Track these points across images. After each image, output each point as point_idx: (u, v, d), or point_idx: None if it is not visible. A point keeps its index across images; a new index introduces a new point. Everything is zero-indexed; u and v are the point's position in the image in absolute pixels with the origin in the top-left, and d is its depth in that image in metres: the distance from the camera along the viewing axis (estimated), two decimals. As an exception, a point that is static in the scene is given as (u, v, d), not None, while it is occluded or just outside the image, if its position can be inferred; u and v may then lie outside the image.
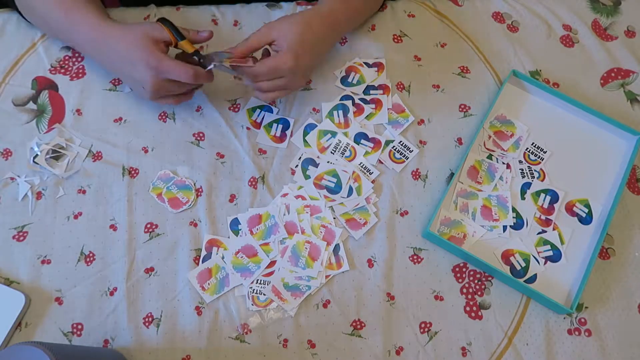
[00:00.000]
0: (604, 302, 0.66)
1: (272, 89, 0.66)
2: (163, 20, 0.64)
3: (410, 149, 0.73)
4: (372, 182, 0.70)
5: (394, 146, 0.73)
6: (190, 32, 0.65)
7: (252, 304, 0.63)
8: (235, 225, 0.67)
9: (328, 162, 0.71)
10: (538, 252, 0.68)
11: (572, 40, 0.83)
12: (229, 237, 0.67)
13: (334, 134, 0.73)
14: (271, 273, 0.65)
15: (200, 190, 0.69)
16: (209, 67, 0.63)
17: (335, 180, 0.70)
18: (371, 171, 0.71)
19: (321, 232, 0.67)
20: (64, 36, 0.70)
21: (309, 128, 0.73)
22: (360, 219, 0.68)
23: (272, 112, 0.74)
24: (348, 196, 0.69)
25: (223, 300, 0.64)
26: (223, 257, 0.65)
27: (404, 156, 0.73)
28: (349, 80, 0.77)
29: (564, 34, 0.84)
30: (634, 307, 0.67)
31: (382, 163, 0.72)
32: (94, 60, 0.71)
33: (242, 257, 0.65)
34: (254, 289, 0.64)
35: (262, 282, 0.64)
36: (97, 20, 0.65)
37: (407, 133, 0.74)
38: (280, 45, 0.64)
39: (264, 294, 0.63)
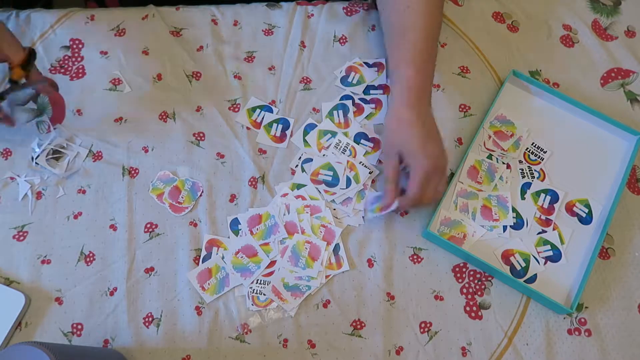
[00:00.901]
0: (604, 302, 0.66)
1: (434, 195, 0.65)
2: (30, 48, 0.64)
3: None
4: (370, 172, 0.70)
5: None
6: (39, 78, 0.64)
7: (252, 304, 0.63)
8: (235, 225, 0.67)
9: (323, 155, 0.71)
10: (538, 252, 0.68)
11: (572, 40, 0.83)
12: (229, 237, 0.67)
13: (334, 133, 0.73)
14: (271, 273, 0.65)
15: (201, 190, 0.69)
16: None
17: (331, 173, 0.70)
18: (371, 170, 0.71)
19: (321, 232, 0.67)
20: None
21: (309, 128, 0.73)
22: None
23: (272, 112, 0.74)
24: (347, 187, 0.69)
25: (223, 300, 0.64)
26: (223, 257, 0.65)
27: None
28: (349, 80, 0.77)
29: (564, 34, 0.84)
30: (634, 307, 0.67)
31: (382, 163, 0.72)
32: None
33: (242, 257, 0.65)
34: (254, 289, 0.64)
35: (262, 282, 0.64)
36: None
37: (407, 133, 0.74)
38: (409, 163, 0.63)
39: (264, 294, 0.63)
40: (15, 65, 0.62)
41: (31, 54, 0.63)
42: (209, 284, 0.64)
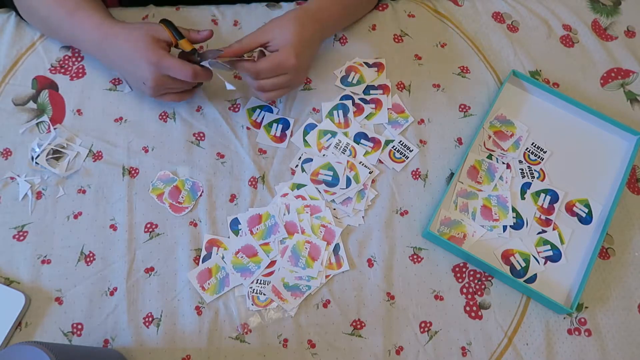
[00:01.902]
0: (604, 302, 0.66)
1: (274, 87, 0.66)
2: (164, 21, 0.65)
3: (411, 149, 0.73)
4: (370, 172, 0.70)
5: (394, 146, 0.73)
6: (190, 32, 0.66)
7: (252, 304, 0.63)
8: (235, 225, 0.67)
9: (323, 155, 0.71)
10: (538, 252, 0.68)
11: (572, 40, 0.83)
12: (229, 237, 0.67)
13: (333, 133, 0.73)
14: (271, 273, 0.65)
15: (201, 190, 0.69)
16: (203, 63, 0.64)
17: (331, 173, 0.70)
18: (371, 170, 0.71)
19: (321, 232, 0.67)
20: (66, 36, 0.71)
21: (309, 128, 0.73)
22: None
23: (272, 112, 0.74)
24: (347, 187, 0.69)
25: (223, 300, 0.64)
26: (223, 257, 0.65)
27: (404, 155, 0.73)
28: (349, 80, 0.77)
29: (564, 34, 0.84)
30: (634, 307, 0.67)
31: (382, 163, 0.72)
32: (96, 58, 0.71)
33: (242, 257, 0.65)
34: (254, 289, 0.64)
35: (262, 282, 0.64)
36: (100, 20, 0.66)
37: (407, 133, 0.74)
38: (277, 45, 0.65)
39: (264, 294, 0.63)
40: (176, 42, 0.64)
41: (166, 23, 0.65)
42: (209, 283, 0.64)
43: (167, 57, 0.62)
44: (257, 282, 0.64)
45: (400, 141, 0.73)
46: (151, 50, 0.62)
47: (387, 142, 0.73)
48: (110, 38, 0.65)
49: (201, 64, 0.64)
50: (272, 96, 0.67)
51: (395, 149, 0.73)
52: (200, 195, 0.68)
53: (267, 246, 0.66)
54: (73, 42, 0.72)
